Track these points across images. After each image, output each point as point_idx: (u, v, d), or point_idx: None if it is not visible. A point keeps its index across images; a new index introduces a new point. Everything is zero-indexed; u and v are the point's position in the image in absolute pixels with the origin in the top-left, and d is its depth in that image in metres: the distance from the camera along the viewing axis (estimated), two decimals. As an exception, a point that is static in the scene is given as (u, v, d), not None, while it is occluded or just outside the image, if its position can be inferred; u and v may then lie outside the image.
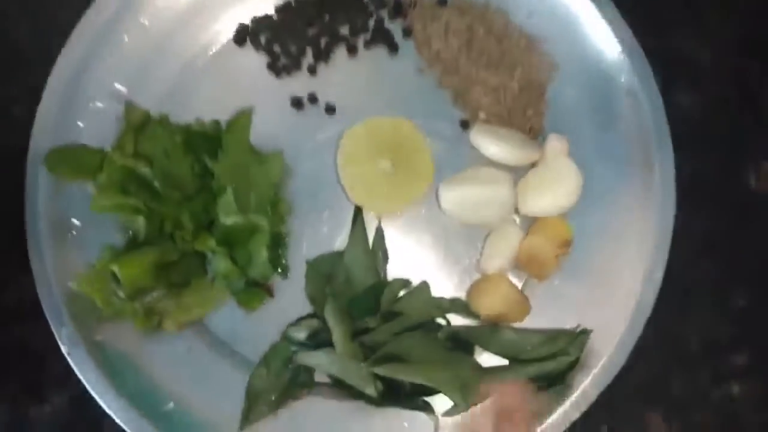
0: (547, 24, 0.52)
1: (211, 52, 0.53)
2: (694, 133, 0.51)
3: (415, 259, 0.50)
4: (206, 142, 0.48)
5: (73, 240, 0.49)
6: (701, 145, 0.52)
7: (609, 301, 0.48)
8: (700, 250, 0.51)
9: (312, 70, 0.53)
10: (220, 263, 0.48)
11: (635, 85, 0.49)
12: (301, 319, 0.49)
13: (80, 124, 0.51)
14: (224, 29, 0.53)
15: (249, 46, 0.54)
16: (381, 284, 0.48)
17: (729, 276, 0.51)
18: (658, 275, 0.47)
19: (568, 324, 0.48)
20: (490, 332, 0.48)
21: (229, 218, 0.47)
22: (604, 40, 0.50)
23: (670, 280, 0.48)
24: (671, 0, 0.54)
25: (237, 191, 0.48)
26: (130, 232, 0.50)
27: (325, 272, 0.49)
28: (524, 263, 0.49)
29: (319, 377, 0.48)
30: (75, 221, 0.50)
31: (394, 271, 0.50)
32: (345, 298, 0.48)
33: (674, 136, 0.49)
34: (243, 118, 0.49)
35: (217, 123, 0.49)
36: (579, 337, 0.47)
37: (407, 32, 0.53)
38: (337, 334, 0.45)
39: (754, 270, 0.51)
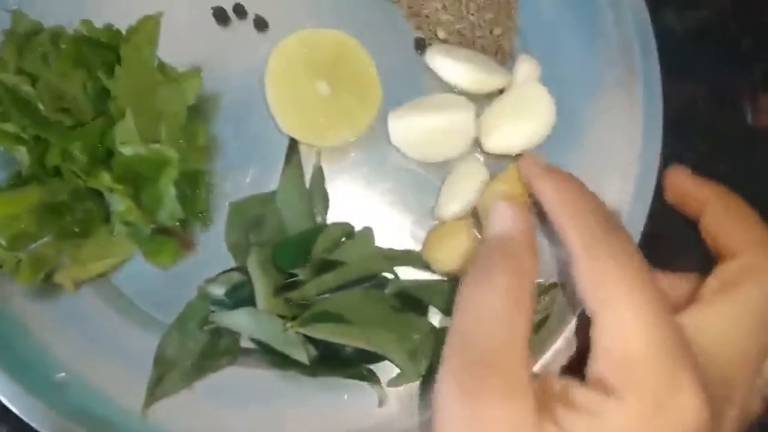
0: (520, -77, 0.44)
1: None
2: (685, 59, 0.45)
3: (360, 203, 0.43)
4: (102, 53, 0.39)
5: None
6: (692, 73, 0.45)
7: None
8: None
9: (239, -22, 0.45)
10: (119, 204, 0.39)
11: (619, -4, 0.42)
12: (222, 273, 0.41)
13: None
14: None
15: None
16: (316, 230, 0.40)
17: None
18: (641, 220, 0.41)
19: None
20: (446, 289, 0.40)
21: (128, 148, 0.38)
22: (585, -56, 0.43)
23: (655, 228, 0.41)
24: None
25: (140, 115, 0.39)
26: (16, 168, 0.41)
27: (251, 217, 0.41)
28: (485, 213, 0.41)
29: (245, 342, 0.41)
30: (-51, 155, 0.41)
31: (335, 217, 0.42)
32: (273, 246, 0.40)
33: (662, 60, 0.41)
34: (148, 25, 0.40)
35: (112, 29, 0.40)
36: (548, 291, 0.40)
37: (354, -66, 0.45)
38: (260, 287, 0.37)
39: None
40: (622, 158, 0.41)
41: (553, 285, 0.40)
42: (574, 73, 0.42)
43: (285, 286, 0.38)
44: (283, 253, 0.38)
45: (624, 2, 0.41)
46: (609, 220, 0.32)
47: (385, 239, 0.42)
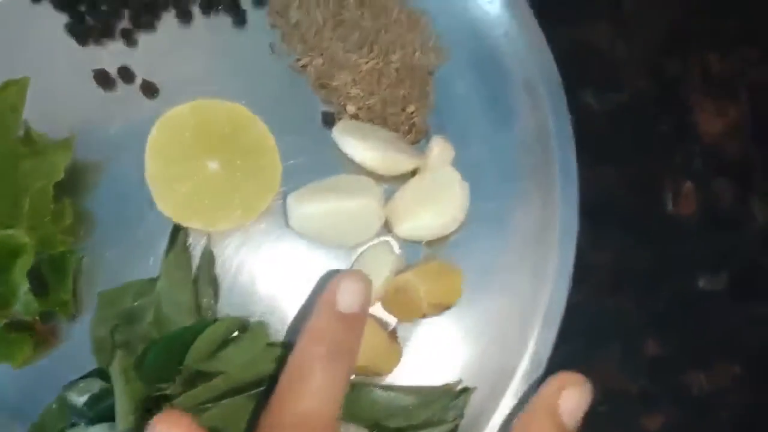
0: (436, -2, 0.42)
1: (-8, 5, 0.39)
2: (603, 142, 0.42)
3: (256, 291, 0.38)
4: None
5: None
6: (611, 157, 0.43)
7: (498, 348, 0.38)
8: (607, 286, 0.42)
9: (128, 38, 0.40)
10: (-37, 297, 0.34)
11: (536, 78, 0.39)
12: (85, 376, 0.35)
13: None
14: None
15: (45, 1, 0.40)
16: (199, 327, 0.34)
17: (640, 319, 0.42)
18: (557, 316, 0.37)
19: (449, 378, 0.37)
20: (349, 391, 0.36)
21: (-27, 233, 0.33)
22: (501, 22, 0.40)
23: (572, 323, 0.38)
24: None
25: (-7, 194, 0.34)
26: None
27: (125, 309, 0.36)
28: (389, 300, 0.38)
29: (116, 455, 0.35)
30: None
31: (227, 307, 0.38)
32: (147, 347, 0.35)
33: (579, 144, 0.39)
34: (11, 91, 0.35)
35: (-38, 95, 0.35)
36: (460, 396, 0.36)
37: (258, -4, 0.41)
38: (121, 402, 0.31)
39: (671, 312, 0.42)
40: (538, 246, 0.38)
41: (466, 389, 0.37)
42: (489, 157, 0.39)
43: (152, 399, 0.32)
44: (151, 361, 0.32)
45: (539, 85, 0.39)
46: None
47: (282, 334, 0.37)
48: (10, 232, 0.33)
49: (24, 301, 0.34)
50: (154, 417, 0.28)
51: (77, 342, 0.37)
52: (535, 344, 0.37)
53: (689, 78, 0.44)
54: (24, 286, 0.33)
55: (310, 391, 0.30)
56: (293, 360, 0.32)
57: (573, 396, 0.31)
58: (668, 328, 0.42)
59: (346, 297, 0.32)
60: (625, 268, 0.42)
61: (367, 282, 0.33)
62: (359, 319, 0.33)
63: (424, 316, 0.37)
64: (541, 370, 0.37)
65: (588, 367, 0.40)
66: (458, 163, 0.39)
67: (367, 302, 0.33)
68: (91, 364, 0.36)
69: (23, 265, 0.33)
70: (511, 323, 0.38)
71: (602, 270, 0.42)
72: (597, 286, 0.42)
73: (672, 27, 0.45)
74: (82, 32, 0.40)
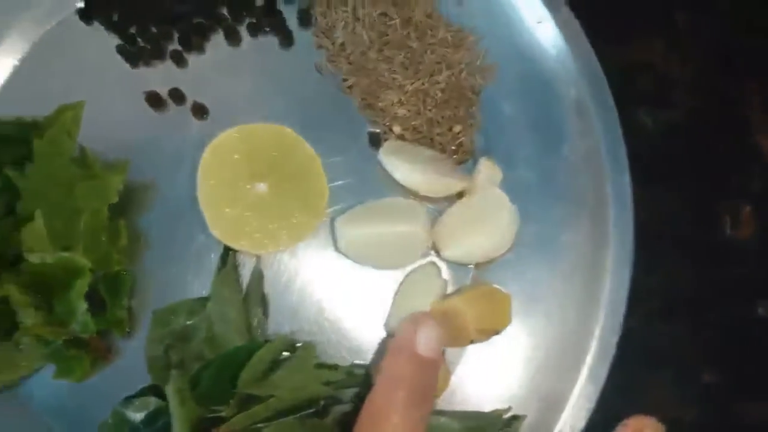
0: (483, 17, 0.41)
1: (47, 27, 0.41)
2: (657, 162, 0.41)
3: (305, 312, 0.38)
4: (9, 148, 0.35)
5: None
6: (665, 177, 0.41)
7: (549, 375, 0.37)
8: (661, 311, 0.41)
9: (179, 60, 0.41)
10: (25, 317, 0.35)
11: (586, 99, 0.39)
12: (140, 392, 0.36)
13: None
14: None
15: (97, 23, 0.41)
16: (251, 348, 0.35)
17: (695, 345, 0.41)
18: (611, 343, 0.37)
19: (498, 404, 0.37)
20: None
21: (35, 256, 0.34)
22: (552, 42, 0.40)
23: (625, 349, 0.37)
24: (637, 1, 0.44)
25: (54, 214, 0.34)
26: None
27: (177, 328, 0.37)
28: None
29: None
30: None
31: (276, 327, 0.38)
32: (202, 364, 0.35)
33: (632, 164, 0.38)
34: (67, 116, 0.36)
35: (22, 121, 0.35)
36: (511, 424, 0.36)
37: (305, 18, 0.41)
38: (178, 422, 0.32)
39: (727, 339, 0.41)
40: (590, 273, 0.38)
41: (517, 417, 0.37)
42: (537, 179, 0.39)
43: (207, 420, 0.33)
44: (207, 384, 0.33)
45: (591, 105, 0.38)
46: None
47: (330, 354, 0.38)
48: (68, 254, 0.34)
49: (82, 321, 0.35)
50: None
51: (131, 358, 0.38)
52: (588, 371, 0.36)
53: (747, 97, 0.42)
54: (82, 307, 0.34)
55: None
56: (373, 403, 0.32)
57: (424, 335, 0.33)
58: (724, 356, 0.41)
59: (425, 341, 0.33)
60: (680, 293, 0.41)
61: (440, 327, 0.34)
62: (436, 363, 0.34)
63: (472, 342, 0.37)
64: (594, 399, 0.36)
65: (641, 393, 0.39)
66: (506, 185, 0.39)
67: (441, 347, 0.34)
68: (145, 380, 0.37)
69: (81, 286, 0.34)
70: (562, 350, 0.37)
71: (656, 295, 0.41)
72: (650, 312, 0.41)
73: (728, 44, 0.43)
74: (134, 54, 0.41)
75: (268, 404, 0.33)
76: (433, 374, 0.33)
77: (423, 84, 0.40)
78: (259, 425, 0.34)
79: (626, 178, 0.38)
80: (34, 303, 0.35)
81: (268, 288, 0.39)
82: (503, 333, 0.37)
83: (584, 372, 0.37)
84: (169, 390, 0.33)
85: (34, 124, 0.35)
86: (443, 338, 0.33)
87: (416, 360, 0.32)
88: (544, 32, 0.40)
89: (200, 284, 0.38)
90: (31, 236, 0.34)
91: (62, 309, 0.36)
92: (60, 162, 0.36)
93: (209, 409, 0.33)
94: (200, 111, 0.40)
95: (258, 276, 0.38)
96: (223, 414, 0.32)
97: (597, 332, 0.37)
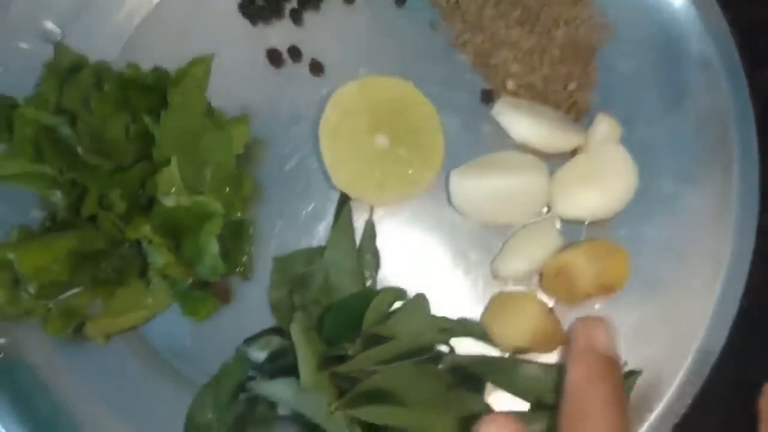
0: (601, -29, 0.40)
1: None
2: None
3: (415, 263, 0.39)
4: (147, 96, 0.37)
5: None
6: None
7: (666, 333, 0.37)
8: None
9: (296, 18, 0.42)
10: (157, 257, 0.37)
11: (712, 56, 0.38)
12: (262, 333, 0.38)
13: (-1, 68, 0.40)
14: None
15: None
16: (367, 295, 0.36)
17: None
18: (733, 302, 0.36)
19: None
20: (507, 366, 0.36)
21: (170, 198, 0.36)
22: (674, -3, 0.39)
23: (748, 309, 0.36)
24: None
25: (184, 163, 0.36)
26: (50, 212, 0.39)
27: (296, 275, 0.38)
28: (549, 279, 0.37)
29: (284, 411, 0.37)
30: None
31: (386, 278, 0.39)
32: (320, 309, 0.37)
33: (759, 121, 0.37)
34: (198, 68, 0.37)
35: (160, 71, 0.38)
36: (626, 379, 0.36)
37: (420, -24, 0.42)
38: (304, 359, 0.33)
39: None
40: (712, 237, 0.37)
41: (633, 372, 0.36)
42: (658, 136, 0.38)
43: (331, 358, 0.34)
44: (331, 324, 0.35)
45: (716, 62, 0.38)
46: None
47: (439, 305, 0.38)
48: (201, 198, 0.36)
49: (211, 263, 0.37)
50: (484, 418, 0.31)
51: (249, 303, 0.39)
52: (708, 331, 0.36)
53: None
54: (213, 249, 0.36)
55: (600, 429, 0.32)
56: (572, 397, 0.33)
57: (602, 333, 0.34)
58: None
59: (606, 340, 0.34)
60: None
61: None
62: (619, 362, 0.34)
63: (588, 296, 0.37)
64: (713, 357, 0.36)
65: (764, 357, 0.38)
66: (624, 143, 0.38)
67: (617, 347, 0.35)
68: (262, 324, 0.39)
69: (212, 229, 0.36)
70: (682, 308, 0.37)
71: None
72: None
73: None
74: (254, 13, 0.42)
75: (389, 345, 0.34)
76: (619, 372, 0.34)
77: (539, 41, 0.40)
78: (376, 368, 0.36)
79: (753, 136, 0.37)
80: (166, 245, 0.37)
81: (380, 240, 0.40)
82: (618, 291, 0.37)
83: (703, 330, 0.36)
84: (295, 329, 0.34)
85: (167, 74, 0.37)
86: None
87: (602, 359, 0.33)
88: (668, -14, 0.39)
89: (317, 235, 0.40)
90: (167, 180, 0.36)
91: (190, 251, 0.38)
92: (191, 113, 0.37)
93: (333, 347, 0.34)
94: (317, 68, 0.41)
95: (371, 228, 0.40)
96: (347, 352, 0.34)
97: (718, 292, 0.36)
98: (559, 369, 0.36)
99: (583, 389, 0.33)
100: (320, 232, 0.40)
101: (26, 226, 0.38)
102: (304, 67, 0.41)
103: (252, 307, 0.39)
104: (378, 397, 0.34)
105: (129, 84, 0.36)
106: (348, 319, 0.35)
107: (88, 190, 0.36)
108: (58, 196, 0.37)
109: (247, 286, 0.40)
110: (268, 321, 0.39)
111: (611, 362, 0.33)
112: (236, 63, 0.42)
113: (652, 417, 0.36)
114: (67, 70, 0.38)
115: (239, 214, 0.39)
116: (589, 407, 0.32)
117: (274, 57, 0.41)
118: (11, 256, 0.34)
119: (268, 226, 0.40)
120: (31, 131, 0.36)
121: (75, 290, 0.37)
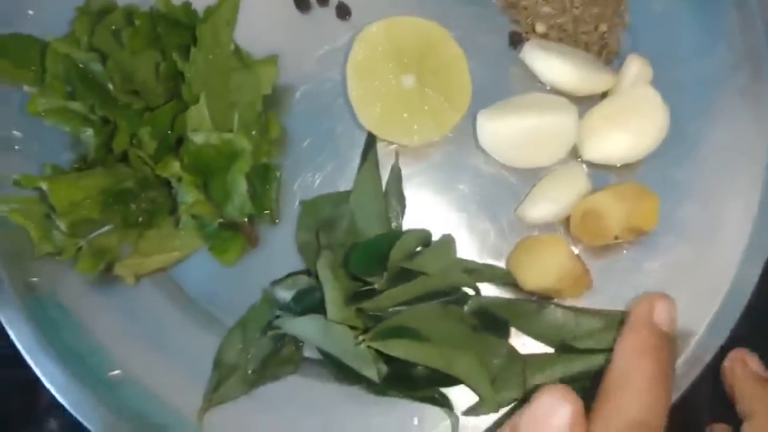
0: None
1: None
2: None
3: (440, 208, 0.39)
4: (177, 33, 0.37)
5: (17, 157, 0.39)
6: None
7: (696, 277, 0.36)
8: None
9: (323, -39, 0.42)
10: (187, 196, 0.37)
11: (748, -6, 0.37)
12: (289, 275, 0.38)
13: (30, 12, 0.40)
14: None
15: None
16: (392, 235, 0.37)
17: None
18: (764, 247, 0.36)
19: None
20: (533, 310, 0.37)
21: (200, 136, 0.36)
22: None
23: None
24: None
25: (213, 102, 0.36)
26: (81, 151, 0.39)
27: (323, 217, 0.38)
28: (577, 220, 0.37)
29: (309, 352, 0.38)
30: (17, 133, 0.40)
31: (412, 222, 0.39)
32: (346, 251, 0.37)
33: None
34: (227, 6, 0.37)
35: (189, 7, 0.38)
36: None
37: None
38: (331, 295, 0.34)
39: None
40: (743, 178, 0.36)
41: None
42: (690, 78, 0.38)
43: (357, 294, 0.35)
44: (358, 259, 0.35)
45: (751, 1, 0.37)
46: None
47: (464, 250, 0.39)
48: (230, 135, 0.36)
49: (239, 203, 0.37)
50: (543, 388, 0.30)
51: (276, 248, 0.40)
52: (736, 279, 0.36)
53: None
54: (242, 187, 0.36)
55: (639, 402, 0.31)
56: (617, 365, 0.33)
57: (663, 308, 0.34)
58: None
59: (666, 315, 0.33)
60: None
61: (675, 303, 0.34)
62: (675, 340, 0.34)
63: (616, 239, 0.36)
64: (741, 307, 0.35)
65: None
66: (655, 84, 0.37)
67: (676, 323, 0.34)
68: (289, 268, 0.39)
69: (241, 167, 0.36)
70: (712, 253, 0.36)
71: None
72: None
73: None
74: (281, -43, 0.42)
75: (416, 283, 0.35)
76: (673, 351, 0.33)
77: (570, -19, 0.39)
78: (401, 308, 0.36)
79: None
80: (195, 183, 0.37)
81: (406, 184, 0.40)
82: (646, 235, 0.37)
83: (731, 279, 0.36)
84: (321, 265, 0.35)
85: (196, 12, 0.38)
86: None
87: (657, 333, 0.33)
88: None
89: (344, 180, 0.40)
90: (196, 118, 0.36)
91: (219, 192, 0.38)
92: (219, 51, 0.38)
93: (360, 283, 0.35)
94: (344, 11, 0.41)
95: (397, 172, 0.40)
96: (375, 287, 0.34)
97: (748, 237, 0.36)
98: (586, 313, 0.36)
99: (631, 359, 0.32)
100: (347, 177, 0.40)
101: (57, 165, 0.39)
102: (330, 11, 0.41)
103: (279, 251, 0.40)
104: (403, 334, 0.34)
105: (159, 19, 0.36)
106: (374, 255, 0.35)
107: (119, 129, 0.37)
108: (89, 135, 0.37)
109: (274, 231, 0.40)
110: (295, 265, 0.39)
111: (667, 338, 0.33)
112: (263, 7, 0.41)
113: (680, 361, 0.36)
114: (98, 12, 0.39)
115: (266, 159, 0.39)
116: (632, 378, 0.31)
117: (301, 1, 0.41)
118: (45, 186, 0.35)
119: (295, 172, 0.40)
120: (63, 68, 0.37)
121: (106, 229, 0.38)
